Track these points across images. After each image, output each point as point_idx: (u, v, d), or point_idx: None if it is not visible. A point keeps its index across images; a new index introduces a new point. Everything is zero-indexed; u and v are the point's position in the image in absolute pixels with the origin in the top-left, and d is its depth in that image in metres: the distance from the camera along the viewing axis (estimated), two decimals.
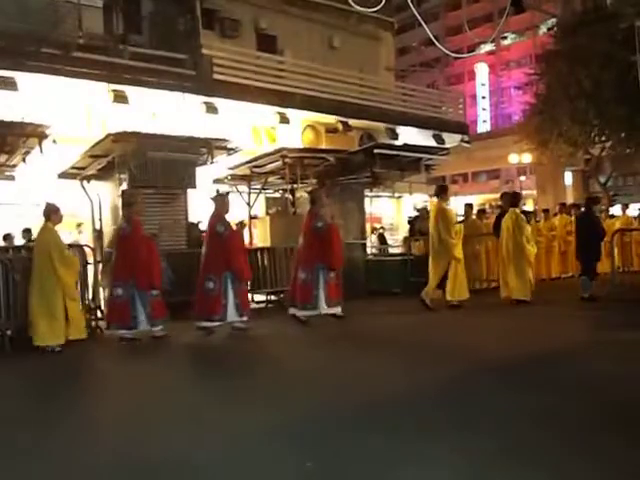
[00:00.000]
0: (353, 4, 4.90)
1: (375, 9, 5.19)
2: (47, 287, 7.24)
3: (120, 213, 10.08)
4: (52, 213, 7.48)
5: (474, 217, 12.14)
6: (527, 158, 29.00)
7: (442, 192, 9.67)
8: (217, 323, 7.92)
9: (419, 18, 5.19)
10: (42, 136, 8.83)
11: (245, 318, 8.09)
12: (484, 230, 11.44)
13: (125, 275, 7.66)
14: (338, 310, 8.57)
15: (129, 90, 13.27)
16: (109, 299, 7.87)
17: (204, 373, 6.20)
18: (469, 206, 10.70)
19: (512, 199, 10.13)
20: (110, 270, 8.08)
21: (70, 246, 8.37)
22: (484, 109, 49.90)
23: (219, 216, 8.16)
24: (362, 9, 5.41)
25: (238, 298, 8.00)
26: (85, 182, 11.14)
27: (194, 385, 5.58)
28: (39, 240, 7.50)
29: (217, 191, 8.66)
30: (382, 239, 16.43)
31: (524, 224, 9.74)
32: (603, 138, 21.23)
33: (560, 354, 5.96)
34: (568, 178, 37.18)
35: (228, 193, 8.96)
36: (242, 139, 14.07)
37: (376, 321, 8.95)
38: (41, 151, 9.15)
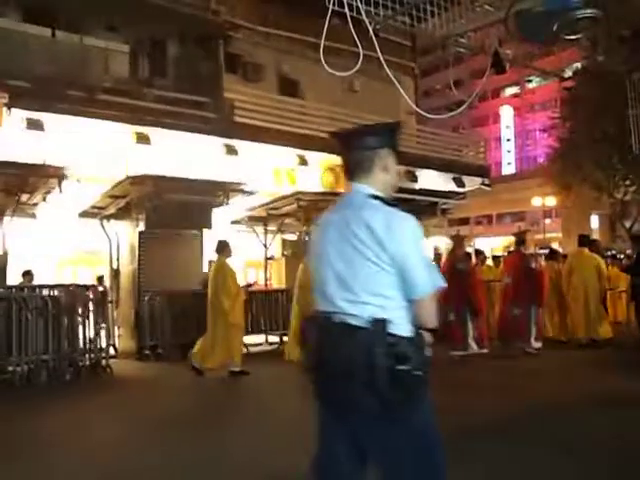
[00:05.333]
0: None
1: (348, 73, 5.26)
2: (220, 317, 8.04)
3: (137, 253, 10.31)
4: (223, 248, 8.34)
5: (489, 263, 12.03)
6: (551, 201, 28.84)
7: (594, 242, 11.22)
8: (462, 352, 8.85)
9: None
10: (61, 177, 9.08)
11: (485, 350, 9.05)
12: (498, 277, 11.30)
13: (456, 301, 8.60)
14: (539, 345, 9.56)
15: (152, 131, 13.58)
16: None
17: None
18: (480, 252, 10.73)
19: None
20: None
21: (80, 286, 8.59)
22: (509, 151, 49.87)
23: (458, 255, 9.43)
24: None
25: (476, 330, 9.06)
26: (105, 221, 11.36)
27: None
28: (212, 272, 8.35)
29: (457, 231, 9.84)
30: None
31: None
32: (627, 182, 21.05)
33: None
34: (595, 222, 36.81)
35: (462, 236, 10.48)
36: (263, 180, 14.26)
37: None
38: (60, 191, 9.39)
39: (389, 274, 2.15)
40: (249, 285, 10.17)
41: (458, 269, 9.02)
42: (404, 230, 2.18)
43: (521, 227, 30.72)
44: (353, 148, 2.37)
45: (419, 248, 2.19)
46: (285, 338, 11.37)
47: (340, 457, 2.26)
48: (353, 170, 2.36)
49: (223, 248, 8.37)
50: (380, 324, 2.09)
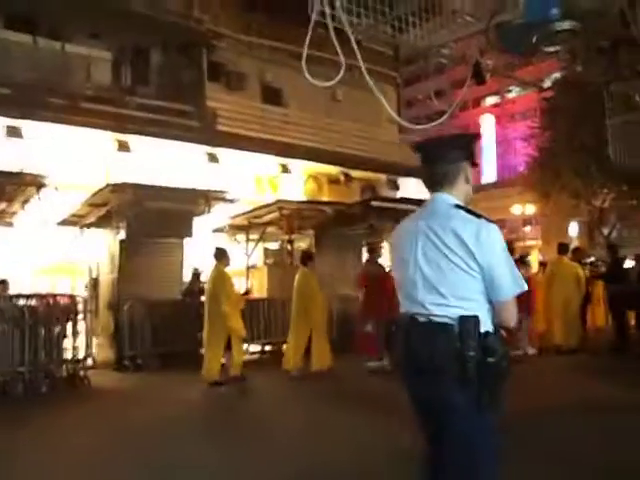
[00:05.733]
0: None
1: (330, 83, 5.28)
2: (216, 325, 7.99)
3: (117, 262, 10.23)
4: (222, 256, 8.41)
5: None
6: (531, 209, 29.15)
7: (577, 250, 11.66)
8: None
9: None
10: (40, 185, 8.98)
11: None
12: None
13: (375, 312, 8.45)
14: (534, 351, 9.77)
15: (134, 139, 13.52)
16: (359, 335, 8.84)
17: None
18: None
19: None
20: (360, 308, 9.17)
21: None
22: (489, 160, 50.32)
23: None
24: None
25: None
26: (84, 230, 11.27)
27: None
28: (210, 280, 8.33)
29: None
30: None
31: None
32: (605, 191, 21.35)
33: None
34: (574, 229, 37.25)
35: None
36: (245, 188, 14.26)
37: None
38: (39, 199, 9.30)
39: (476, 280, 2.34)
40: (245, 293, 10.15)
41: None
42: (491, 240, 2.35)
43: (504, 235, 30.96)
44: (439, 160, 2.54)
45: (504, 254, 2.38)
46: (267, 347, 11.39)
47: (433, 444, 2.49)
48: (438, 181, 2.53)
49: (222, 256, 8.44)
50: (471, 320, 2.29)
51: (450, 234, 2.34)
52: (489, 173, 49.66)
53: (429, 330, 2.34)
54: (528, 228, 36.52)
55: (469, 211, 2.42)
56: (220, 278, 8.21)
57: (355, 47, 6.35)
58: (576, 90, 18.97)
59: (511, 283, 2.36)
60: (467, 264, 2.31)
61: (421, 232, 2.44)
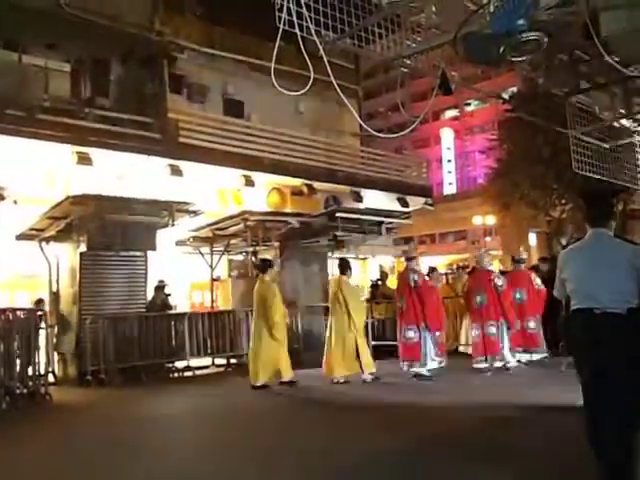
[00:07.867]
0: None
1: (299, 93, 5.34)
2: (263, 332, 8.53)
3: (78, 275, 10.03)
4: (267, 267, 8.96)
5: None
6: (491, 220, 29.68)
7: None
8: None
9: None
10: None
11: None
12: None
13: (417, 319, 8.83)
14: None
15: (94, 152, 13.28)
16: (402, 340, 9.01)
17: None
18: (433, 269, 10.79)
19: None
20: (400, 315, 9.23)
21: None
22: (450, 172, 51.10)
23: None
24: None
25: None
26: (44, 244, 11.02)
27: None
28: (257, 292, 8.77)
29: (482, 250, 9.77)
30: None
31: None
32: (563, 201, 21.85)
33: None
34: (533, 239, 38.02)
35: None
36: (208, 201, 14.13)
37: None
38: None
39: (635, 283, 3.40)
40: (289, 304, 10.21)
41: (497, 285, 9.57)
42: None
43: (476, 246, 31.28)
44: (606, 205, 3.79)
45: None
46: (233, 360, 11.29)
47: (605, 396, 3.37)
48: (601, 219, 3.67)
49: (267, 267, 8.93)
50: (636, 310, 3.36)
51: (616, 255, 3.50)
52: (450, 185, 50.40)
53: (607, 318, 3.37)
54: (489, 238, 37.15)
55: (624, 239, 3.70)
56: (268, 290, 8.62)
57: (325, 58, 6.40)
58: (533, 103, 19.45)
59: None
60: (630, 273, 3.40)
61: (593, 254, 3.56)
